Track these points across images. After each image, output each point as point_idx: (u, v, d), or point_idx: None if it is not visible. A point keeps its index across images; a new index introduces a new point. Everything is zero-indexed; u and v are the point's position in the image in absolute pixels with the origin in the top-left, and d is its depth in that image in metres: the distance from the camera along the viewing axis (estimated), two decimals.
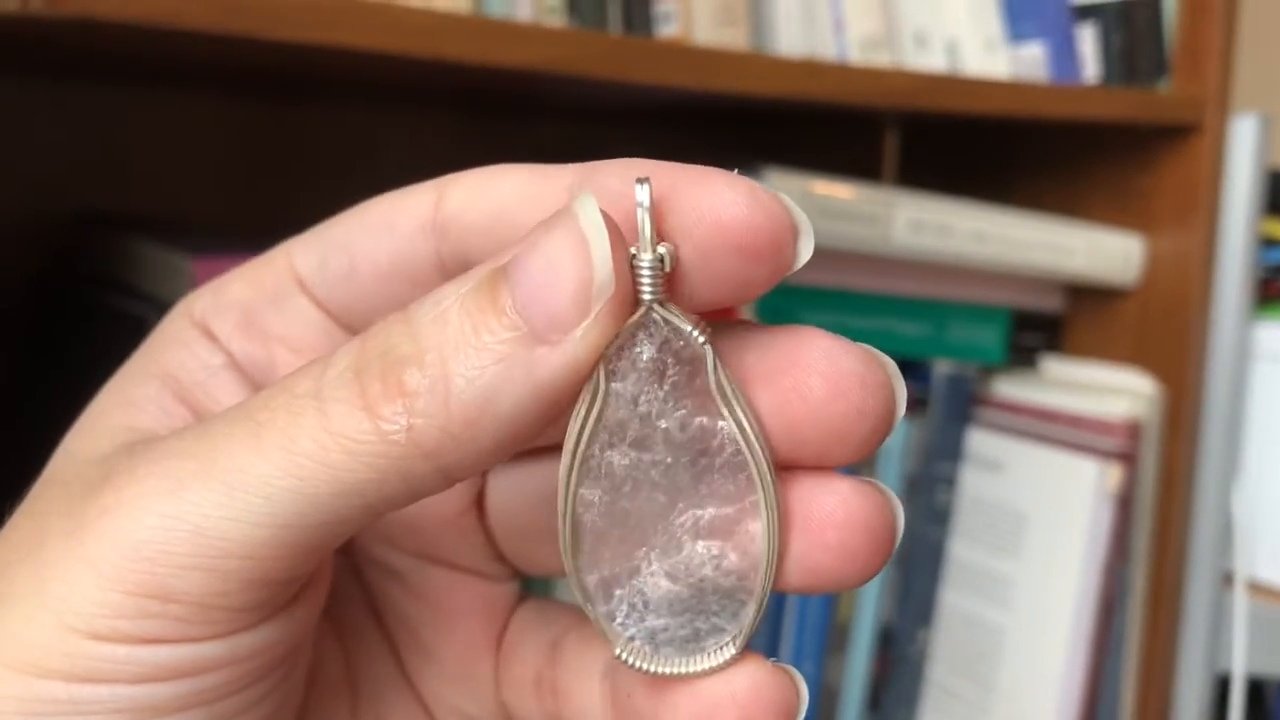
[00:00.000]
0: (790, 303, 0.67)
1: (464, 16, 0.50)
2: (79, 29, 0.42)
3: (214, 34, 0.43)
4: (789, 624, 0.68)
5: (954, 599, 0.73)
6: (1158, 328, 0.72)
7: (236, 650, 0.19)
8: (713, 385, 0.18)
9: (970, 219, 0.67)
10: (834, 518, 0.19)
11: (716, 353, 0.18)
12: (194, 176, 0.70)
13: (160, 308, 0.47)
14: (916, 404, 0.71)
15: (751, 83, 0.55)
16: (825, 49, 0.63)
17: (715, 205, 0.17)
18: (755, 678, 0.19)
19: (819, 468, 0.19)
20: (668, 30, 0.57)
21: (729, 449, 0.19)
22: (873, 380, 0.18)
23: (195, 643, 0.18)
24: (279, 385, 0.18)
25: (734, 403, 0.18)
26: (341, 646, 0.24)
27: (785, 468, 0.19)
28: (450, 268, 0.21)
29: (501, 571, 0.25)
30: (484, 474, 0.24)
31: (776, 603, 0.68)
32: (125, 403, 0.21)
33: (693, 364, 0.18)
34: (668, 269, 0.18)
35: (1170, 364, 0.71)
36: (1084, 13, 0.69)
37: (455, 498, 0.24)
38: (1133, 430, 0.67)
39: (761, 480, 0.18)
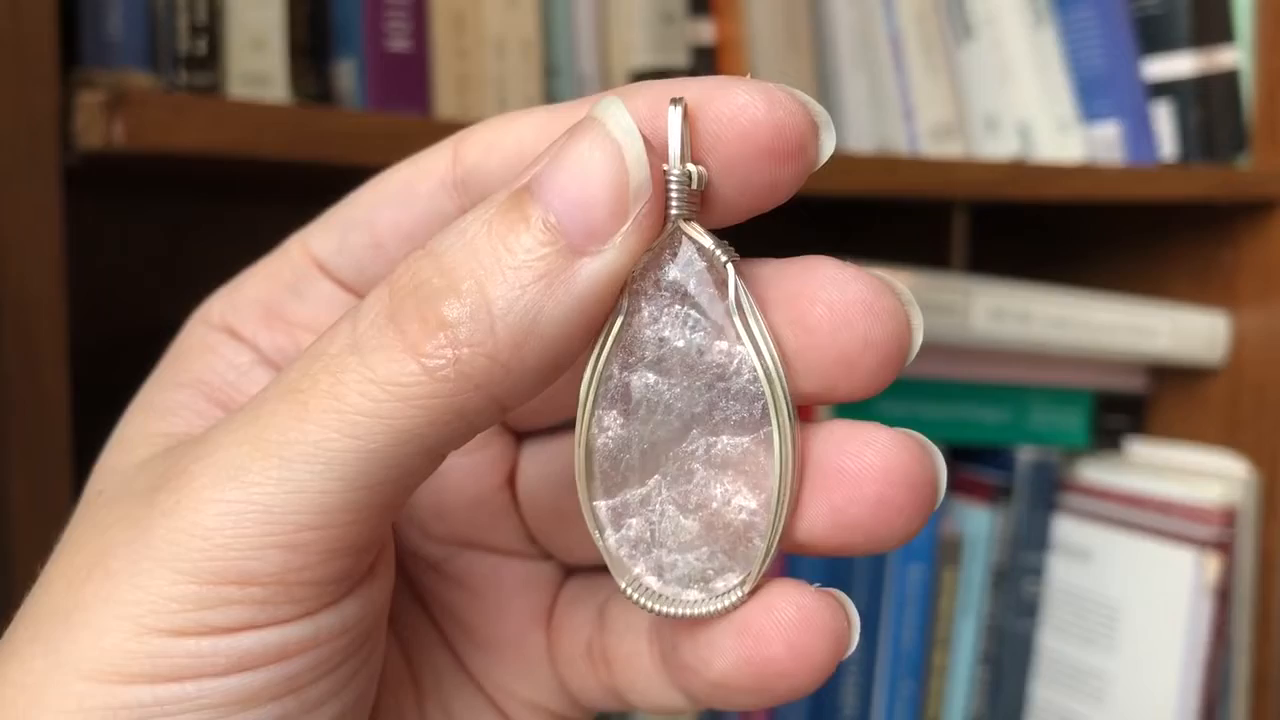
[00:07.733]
0: None
1: None
2: (160, 161, 0.42)
3: (289, 161, 0.43)
4: (876, 718, 0.67)
5: (1047, 694, 0.70)
6: (1248, 407, 0.69)
7: (320, 630, 0.18)
8: (733, 308, 0.18)
9: (1050, 305, 0.65)
10: (872, 470, 0.18)
11: (739, 274, 0.18)
12: None
13: None
14: (1000, 492, 0.69)
15: (825, 181, 0.55)
16: (895, 138, 0.62)
17: (736, 113, 0.17)
18: (801, 605, 0.18)
19: (832, 400, 0.18)
20: None
21: (746, 375, 0.18)
22: (881, 308, 0.17)
23: (280, 625, 0.17)
24: (309, 353, 0.18)
25: (754, 328, 0.18)
26: (399, 643, 0.23)
27: (798, 404, 0.18)
28: None
29: (539, 550, 0.24)
30: (516, 452, 0.23)
31: (863, 690, 0.66)
32: (159, 412, 0.21)
33: (716, 287, 0.18)
34: (694, 186, 0.17)
35: (1263, 445, 0.68)
36: (1159, 90, 0.67)
37: (486, 478, 0.23)
38: (1229, 517, 0.65)
39: (777, 410, 0.18)
